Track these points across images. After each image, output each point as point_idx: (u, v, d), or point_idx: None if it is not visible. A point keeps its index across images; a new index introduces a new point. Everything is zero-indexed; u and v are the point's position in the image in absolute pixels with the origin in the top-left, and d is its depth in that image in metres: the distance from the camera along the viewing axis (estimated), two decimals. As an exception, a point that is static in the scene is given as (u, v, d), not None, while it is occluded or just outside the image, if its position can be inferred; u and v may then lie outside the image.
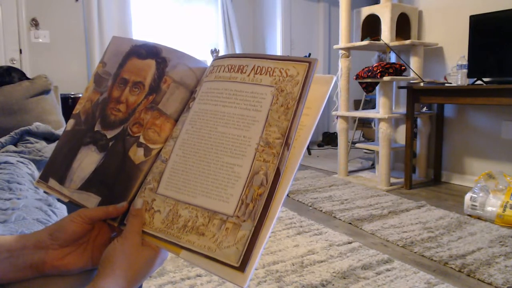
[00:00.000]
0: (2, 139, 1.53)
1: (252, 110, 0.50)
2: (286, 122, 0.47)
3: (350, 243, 1.83)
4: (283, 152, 0.46)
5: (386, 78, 2.74)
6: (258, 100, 0.50)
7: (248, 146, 0.48)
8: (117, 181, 0.54)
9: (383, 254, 1.71)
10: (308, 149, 4.30)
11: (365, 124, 4.85)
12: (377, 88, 3.16)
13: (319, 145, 4.94)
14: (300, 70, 0.49)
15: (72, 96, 3.27)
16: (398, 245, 1.84)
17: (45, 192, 1.10)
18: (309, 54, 4.59)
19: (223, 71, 0.54)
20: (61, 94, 2.49)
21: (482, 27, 2.56)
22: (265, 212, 0.44)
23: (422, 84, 2.77)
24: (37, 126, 1.61)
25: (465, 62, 2.59)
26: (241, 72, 0.53)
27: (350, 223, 2.14)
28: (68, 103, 3.18)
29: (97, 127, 0.58)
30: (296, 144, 0.47)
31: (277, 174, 0.45)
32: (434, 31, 3.06)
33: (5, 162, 1.26)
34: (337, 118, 3.23)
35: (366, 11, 3.09)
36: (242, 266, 0.42)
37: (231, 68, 0.54)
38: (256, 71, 0.52)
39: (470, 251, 1.72)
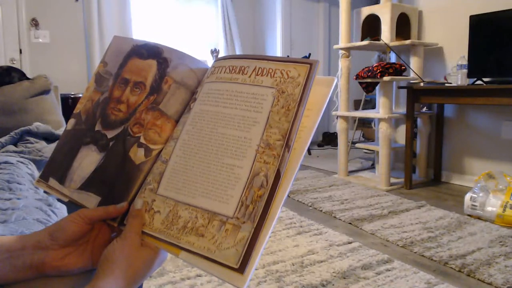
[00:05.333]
0: (2, 139, 1.53)
1: (253, 112, 0.50)
2: (286, 123, 0.47)
3: (350, 243, 1.83)
4: (283, 153, 0.46)
5: (386, 78, 2.74)
6: (259, 102, 0.50)
7: (248, 148, 0.48)
8: (117, 181, 0.54)
9: (383, 254, 1.71)
10: (308, 149, 4.28)
11: (365, 124, 4.85)
12: (377, 88, 3.16)
13: (319, 145, 4.94)
14: (301, 72, 0.49)
15: (72, 96, 3.27)
16: (398, 245, 1.84)
17: (45, 192, 1.10)
18: (309, 54, 4.59)
19: (224, 72, 0.54)
20: (61, 94, 2.49)
21: (482, 27, 2.56)
22: (265, 214, 0.44)
23: (422, 84, 2.77)
24: (37, 126, 1.61)
25: (465, 62, 2.59)
26: (242, 73, 0.53)
27: (350, 223, 2.14)
28: (68, 103, 3.18)
29: (98, 127, 0.58)
30: (297, 145, 0.47)
31: (277, 175, 0.45)
32: (434, 31, 3.06)
33: (5, 162, 1.26)
34: (337, 118, 3.23)
35: (366, 11, 3.09)
36: (241, 268, 0.42)
37: (232, 69, 0.53)
38: (257, 72, 0.52)
39: (470, 251, 1.72)
